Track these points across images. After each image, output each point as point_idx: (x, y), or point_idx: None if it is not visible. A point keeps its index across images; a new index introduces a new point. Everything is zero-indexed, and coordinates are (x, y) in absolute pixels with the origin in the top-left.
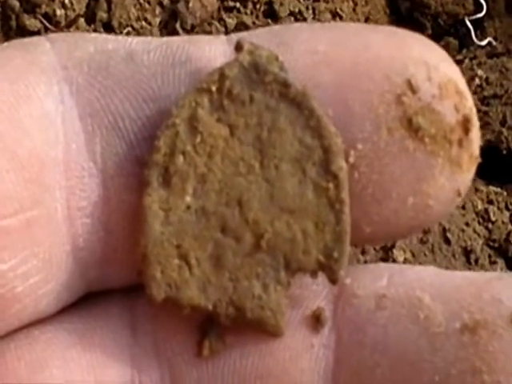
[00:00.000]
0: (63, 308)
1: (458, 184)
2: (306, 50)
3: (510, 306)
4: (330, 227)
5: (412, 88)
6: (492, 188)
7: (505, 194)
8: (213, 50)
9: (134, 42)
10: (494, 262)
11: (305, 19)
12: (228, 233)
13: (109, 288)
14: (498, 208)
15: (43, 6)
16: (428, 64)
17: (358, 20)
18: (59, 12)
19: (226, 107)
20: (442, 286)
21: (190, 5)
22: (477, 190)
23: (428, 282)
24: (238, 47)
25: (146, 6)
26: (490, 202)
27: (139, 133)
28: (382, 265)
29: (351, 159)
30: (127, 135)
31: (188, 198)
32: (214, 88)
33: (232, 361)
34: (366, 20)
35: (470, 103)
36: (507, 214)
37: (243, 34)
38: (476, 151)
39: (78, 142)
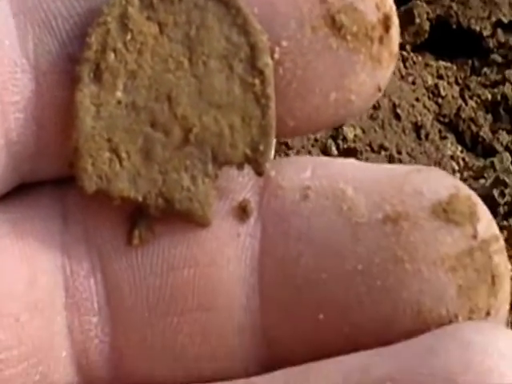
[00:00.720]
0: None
1: (378, 80)
2: None
3: (430, 198)
4: (256, 121)
5: None
6: (442, 63)
7: (454, 68)
8: None
9: None
10: (444, 137)
11: None
12: (157, 127)
13: (41, 180)
14: (448, 83)
15: None
16: None
17: None
18: None
19: (156, 5)
20: (364, 179)
21: None
22: (427, 65)
23: (351, 175)
24: None
25: None
26: (440, 77)
27: (71, 31)
28: (306, 157)
29: (276, 56)
30: (59, 33)
31: (119, 94)
32: None
33: (161, 250)
34: None
35: (390, 2)
36: (457, 88)
37: None
38: (396, 48)
39: (11, 39)
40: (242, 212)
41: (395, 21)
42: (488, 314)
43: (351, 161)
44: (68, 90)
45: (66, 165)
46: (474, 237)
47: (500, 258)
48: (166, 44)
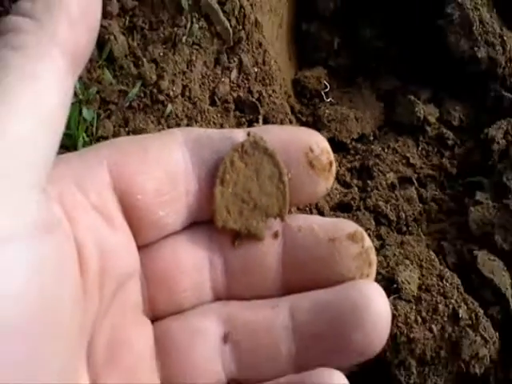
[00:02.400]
0: (183, 228)
1: (327, 186)
2: (273, 135)
3: (346, 231)
4: (280, 201)
5: (311, 150)
6: None
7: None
8: (239, 134)
9: (209, 131)
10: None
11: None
12: (245, 202)
13: (201, 220)
14: None
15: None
16: (317, 141)
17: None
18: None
19: (245, 156)
20: (321, 222)
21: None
22: None
23: (316, 219)
24: (249, 134)
25: None
26: None
27: (212, 165)
28: (302, 215)
29: (289, 176)
30: (208, 166)
31: (230, 189)
32: (239, 149)
33: (243, 250)
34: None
35: (332, 156)
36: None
37: (251, 129)
38: (334, 174)
39: (190, 170)
40: (276, 235)
41: (334, 163)
42: (368, 276)
43: (317, 216)
44: (211, 187)
45: (210, 215)
46: (363, 246)
47: (371, 251)
48: (248, 171)
